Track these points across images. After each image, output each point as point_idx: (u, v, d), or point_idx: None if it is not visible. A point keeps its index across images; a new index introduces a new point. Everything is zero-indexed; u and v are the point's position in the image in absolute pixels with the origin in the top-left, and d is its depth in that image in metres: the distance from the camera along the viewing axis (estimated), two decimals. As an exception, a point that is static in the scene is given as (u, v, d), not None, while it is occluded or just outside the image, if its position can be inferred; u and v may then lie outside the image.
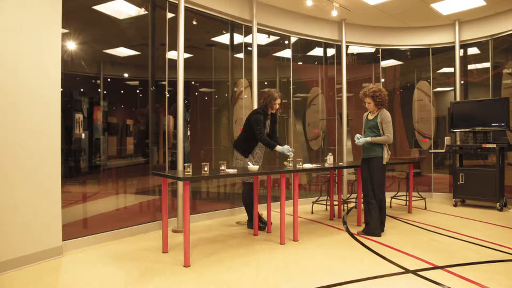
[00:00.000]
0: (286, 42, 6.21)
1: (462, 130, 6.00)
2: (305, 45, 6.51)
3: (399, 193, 5.99)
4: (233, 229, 4.43)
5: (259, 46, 5.55)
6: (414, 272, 2.94)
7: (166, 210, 3.52)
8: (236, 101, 5.79)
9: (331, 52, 6.68)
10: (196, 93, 6.07)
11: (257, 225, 4.18)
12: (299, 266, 3.10)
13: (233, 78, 5.84)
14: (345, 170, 6.20)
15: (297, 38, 6.23)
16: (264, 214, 4.78)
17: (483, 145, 5.52)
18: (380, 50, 6.91)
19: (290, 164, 4.13)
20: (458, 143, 6.37)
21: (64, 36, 3.54)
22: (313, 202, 5.72)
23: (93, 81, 4.53)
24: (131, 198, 4.73)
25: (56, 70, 3.31)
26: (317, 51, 6.71)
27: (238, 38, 5.67)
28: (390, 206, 5.77)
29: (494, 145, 5.37)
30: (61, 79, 3.35)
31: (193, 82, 5.92)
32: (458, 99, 6.38)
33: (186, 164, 3.27)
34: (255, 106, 5.36)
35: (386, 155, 4.06)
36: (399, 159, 7.03)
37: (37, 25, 3.17)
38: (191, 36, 5.06)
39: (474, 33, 6.34)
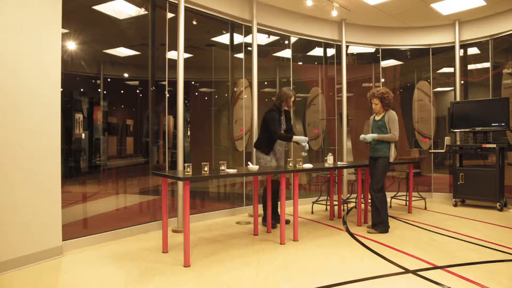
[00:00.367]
0: (286, 42, 6.21)
1: (462, 130, 6.00)
2: (305, 45, 6.51)
3: (399, 193, 5.99)
4: (233, 229, 4.43)
5: (259, 46, 5.55)
6: (414, 272, 2.94)
7: (166, 210, 3.52)
8: (236, 101, 5.79)
9: (331, 52, 6.68)
10: (196, 93, 6.07)
11: (257, 224, 4.18)
12: (299, 266, 3.10)
13: (233, 78, 5.84)
14: (345, 170, 6.20)
15: (297, 38, 6.24)
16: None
17: (483, 145, 5.52)
18: (380, 50, 6.91)
19: (304, 153, 4.23)
20: (458, 143, 6.37)
21: (64, 36, 3.54)
22: (313, 202, 5.72)
23: (93, 81, 4.53)
24: (131, 198, 4.74)
25: (56, 70, 3.31)
26: (317, 51, 6.71)
27: (238, 38, 5.67)
28: (390, 206, 5.77)
29: (494, 145, 5.37)
30: (61, 79, 3.35)
31: (193, 82, 5.92)
32: (458, 99, 6.38)
33: (186, 164, 3.27)
34: (255, 106, 5.37)
35: (393, 153, 4.20)
36: (399, 159, 7.02)
37: (37, 25, 3.17)
38: (191, 36, 5.06)
39: (474, 33, 6.34)
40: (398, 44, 6.84)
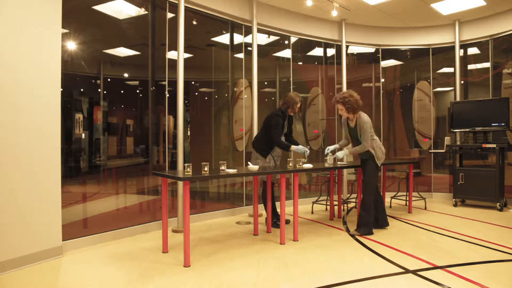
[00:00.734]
0: (286, 42, 6.21)
1: (462, 130, 6.00)
2: (305, 45, 6.51)
3: (399, 193, 5.99)
4: (233, 229, 4.43)
5: (259, 46, 5.55)
6: (414, 272, 2.94)
7: (166, 210, 3.52)
8: (236, 101, 5.79)
9: (331, 52, 6.68)
10: (196, 93, 6.07)
11: (257, 224, 4.18)
12: (299, 266, 3.10)
13: (233, 78, 5.84)
14: (345, 170, 6.20)
15: (297, 38, 6.24)
16: (264, 214, 4.78)
17: (483, 145, 5.52)
18: (380, 50, 6.91)
19: (304, 160, 4.20)
20: (458, 143, 6.37)
21: (64, 36, 3.54)
22: (313, 202, 5.72)
23: (93, 81, 4.53)
24: (131, 198, 4.73)
25: (56, 70, 3.31)
26: (317, 51, 6.71)
27: (238, 38, 5.67)
28: (390, 206, 5.77)
29: (494, 145, 5.37)
30: (61, 79, 3.35)
31: (193, 82, 5.92)
32: (458, 99, 6.38)
33: (186, 164, 3.27)
34: (255, 106, 5.37)
35: (378, 156, 4.13)
36: (399, 159, 7.03)
37: (37, 25, 3.17)
38: (191, 36, 5.06)
39: (474, 33, 6.34)
40: (398, 44, 6.84)
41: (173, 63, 4.43)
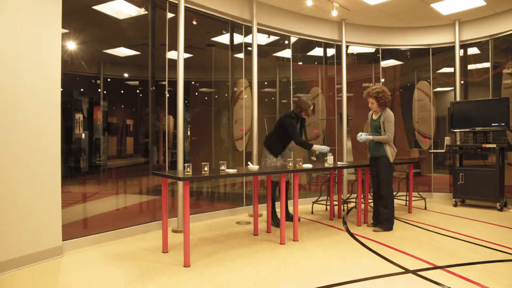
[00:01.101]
0: (286, 42, 6.21)
1: (462, 130, 6.00)
2: (305, 45, 6.51)
3: (399, 193, 5.99)
4: (233, 229, 4.43)
5: (259, 46, 5.55)
6: (414, 272, 2.94)
7: (166, 210, 3.52)
8: (236, 101, 5.79)
9: (331, 52, 6.68)
10: (196, 93, 6.07)
11: (257, 224, 4.18)
12: (299, 266, 3.10)
13: (233, 78, 5.84)
14: (345, 170, 6.20)
15: (297, 38, 6.23)
16: (264, 214, 4.79)
17: (483, 145, 5.52)
18: (380, 50, 6.91)
19: (314, 158, 4.28)
20: (458, 143, 6.37)
21: (64, 36, 3.54)
22: (313, 202, 5.72)
23: (93, 81, 4.53)
24: (131, 198, 4.74)
25: (56, 70, 3.31)
26: (317, 51, 6.71)
27: (238, 38, 5.67)
28: (390, 206, 5.77)
29: (494, 145, 5.37)
30: (61, 79, 3.35)
31: (193, 82, 5.92)
32: (458, 99, 6.38)
33: (186, 164, 3.26)
34: (255, 106, 5.37)
35: (390, 154, 4.20)
36: (399, 159, 7.02)
37: (37, 25, 3.17)
38: (191, 36, 5.06)
39: (474, 33, 6.34)
40: (398, 44, 6.84)
41: (173, 63, 4.43)
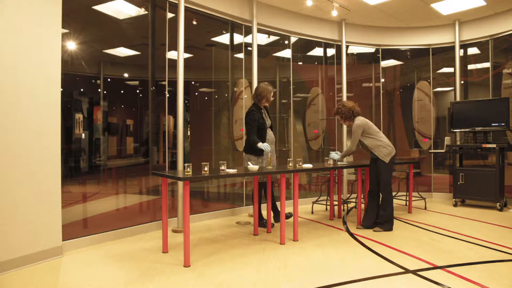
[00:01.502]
0: (286, 42, 6.21)
1: (462, 130, 6.00)
2: (305, 45, 6.51)
3: (399, 193, 5.99)
4: (233, 229, 4.43)
5: (259, 46, 5.55)
6: (414, 272, 2.94)
7: (166, 210, 3.52)
8: (236, 101, 5.79)
9: (331, 52, 6.68)
10: (196, 93, 6.06)
11: (257, 224, 4.19)
12: (299, 266, 3.10)
13: (233, 78, 5.84)
14: (345, 170, 6.20)
15: (297, 38, 6.23)
16: (264, 214, 4.78)
17: (483, 145, 5.52)
18: (380, 50, 6.91)
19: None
20: (458, 143, 6.37)
21: (64, 36, 3.54)
22: (313, 202, 5.72)
23: (93, 81, 4.53)
24: (131, 198, 4.73)
25: (56, 70, 3.31)
26: (317, 51, 6.71)
27: (238, 38, 5.67)
28: (390, 206, 5.77)
29: (494, 145, 5.37)
30: (61, 79, 3.35)
31: (193, 82, 5.92)
32: (458, 99, 6.38)
33: (186, 164, 3.26)
34: (255, 106, 5.36)
35: (382, 155, 4.21)
36: (399, 159, 7.03)
37: (37, 25, 3.17)
38: (191, 36, 5.06)
39: (474, 33, 6.34)
40: (398, 44, 6.84)
41: (173, 63, 4.43)
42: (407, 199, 5.58)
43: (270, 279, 2.80)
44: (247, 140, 4.37)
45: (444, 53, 6.78)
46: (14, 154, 3.01)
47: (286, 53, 6.28)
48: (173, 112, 4.49)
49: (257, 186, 4.27)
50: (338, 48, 6.54)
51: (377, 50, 6.92)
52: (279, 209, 4.14)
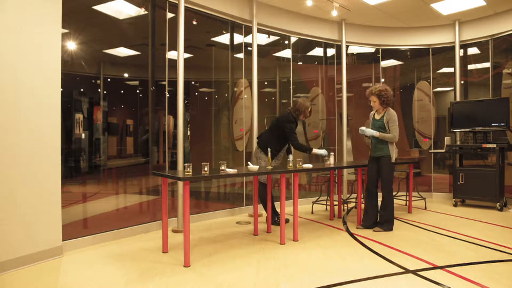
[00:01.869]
0: (286, 42, 6.21)
1: (462, 130, 6.00)
2: (305, 45, 6.51)
3: (399, 193, 5.99)
4: (233, 229, 4.43)
5: (259, 46, 5.55)
6: (414, 272, 2.94)
7: (166, 210, 3.52)
8: (236, 101, 5.79)
9: (331, 52, 6.68)
10: (196, 93, 6.07)
11: (257, 224, 4.18)
12: (299, 266, 3.10)
13: (233, 78, 5.84)
14: (345, 170, 6.20)
15: (297, 38, 6.23)
16: (264, 214, 4.78)
17: (483, 145, 5.52)
18: (380, 50, 6.91)
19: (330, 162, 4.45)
20: (458, 143, 6.37)
21: (64, 36, 3.54)
22: (313, 202, 5.72)
23: (93, 81, 4.53)
24: (131, 198, 4.73)
25: (56, 70, 3.31)
26: (317, 51, 6.71)
27: (238, 38, 5.67)
28: (390, 206, 5.77)
29: (494, 145, 5.37)
30: (61, 79, 3.35)
31: (193, 82, 5.92)
32: (458, 99, 6.38)
33: (186, 164, 3.26)
34: (255, 106, 5.37)
35: (393, 153, 4.21)
36: (399, 159, 7.02)
37: (37, 25, 3.17)
38: (191, 36, 5.06)
39: (474, 33, 6.34)
40: (398, 44, 6.84)
41: (173, 63, 4.43)
42: (407, 199, 5.58)
43: (270, 279, 2.80)
44: (272, 141, 4.44)
45: (444, 53, 6.78)
46: (14, 154, 3.01)
47: (286, 53, 6.28)
48: (173, 112, 4.49)
49: (257, 186, 4.27)
50: (338, 48, 6.54)
51: (377, 50, 6.92)
52: (278, 211, 4.15)
